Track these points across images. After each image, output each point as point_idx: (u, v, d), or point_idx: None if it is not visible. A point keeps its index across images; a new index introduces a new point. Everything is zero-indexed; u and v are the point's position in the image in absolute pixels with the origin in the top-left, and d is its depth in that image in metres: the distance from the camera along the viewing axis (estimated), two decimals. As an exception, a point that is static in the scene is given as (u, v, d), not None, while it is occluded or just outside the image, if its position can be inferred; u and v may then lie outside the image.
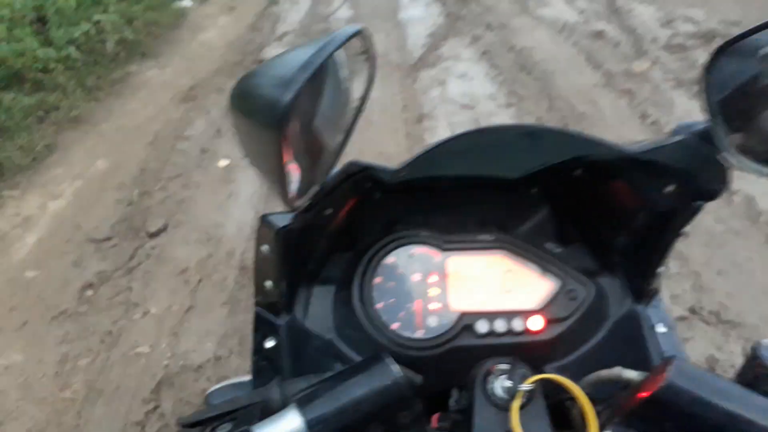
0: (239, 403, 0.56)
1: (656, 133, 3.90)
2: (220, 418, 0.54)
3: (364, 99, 0.75)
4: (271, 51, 5.74)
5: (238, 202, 3.48)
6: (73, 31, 5.21)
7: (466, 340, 0.80)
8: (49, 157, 4.04)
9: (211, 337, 2.53)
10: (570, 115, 4.19)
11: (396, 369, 0.55)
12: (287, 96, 0.51)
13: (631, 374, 0.59)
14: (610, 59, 5.06)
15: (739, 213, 3.08)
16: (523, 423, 0.58)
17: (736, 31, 0.62)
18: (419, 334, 0.80)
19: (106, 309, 2.73)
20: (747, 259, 2.80)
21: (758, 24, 0.61)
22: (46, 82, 4.74)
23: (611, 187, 0.84)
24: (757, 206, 3.10)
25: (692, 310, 2.51)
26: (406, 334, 0.80)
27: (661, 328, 0.82)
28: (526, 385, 0.59)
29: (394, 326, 0.80)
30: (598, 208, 0.87)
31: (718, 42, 0.64)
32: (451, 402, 0.67)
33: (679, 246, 2.82)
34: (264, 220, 0.75)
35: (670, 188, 0.74)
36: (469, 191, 0.90)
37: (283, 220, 0.74)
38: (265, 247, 0.77)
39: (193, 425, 0.52)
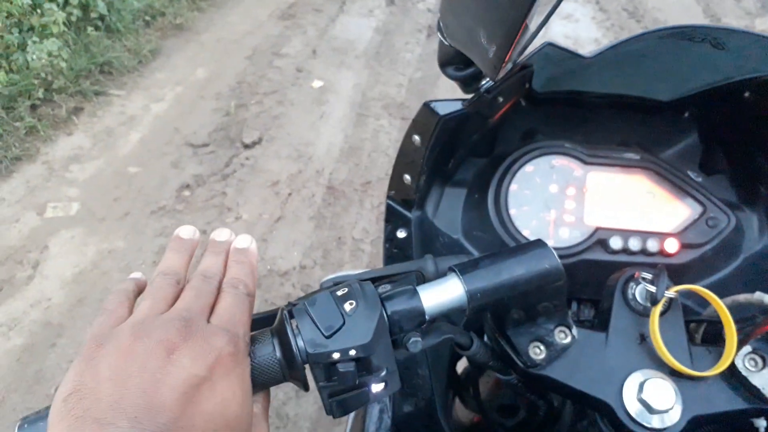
0: (393, 270, 0.58)
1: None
2: (381, 279, 0.56)
3: None
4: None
5: (329, 123, 3.52)
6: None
7: (598, 255, 0.80)
8: (153, 62, 4.18)
9: (297, 247, 2.62)
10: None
11: (555, 255, 0.55)
12: None
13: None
14: (730, 13, 4.70)
15: None
16: (660, 331, 0.58)
17: None
18: (550, 242, 0.80)
19: (201, 210, 2.86)
20: None
21: None
22: (154, -12, 4.86)
23: None
24: None
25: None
26: None
27: None
28: (670, 293, 0.59)
29: (525, 232, 0.81)
30: (757, 136, 0.82)
31: None
32: (569, 315, 0.68)
33: None
34: (428, 106, 0.75)
35: None
36: (615, 109, 0.87)
37: (446, 107, 0.74)
38: (417, 137, 0.77)
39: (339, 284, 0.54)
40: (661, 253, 0.80)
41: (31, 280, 2.50)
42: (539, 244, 0.56)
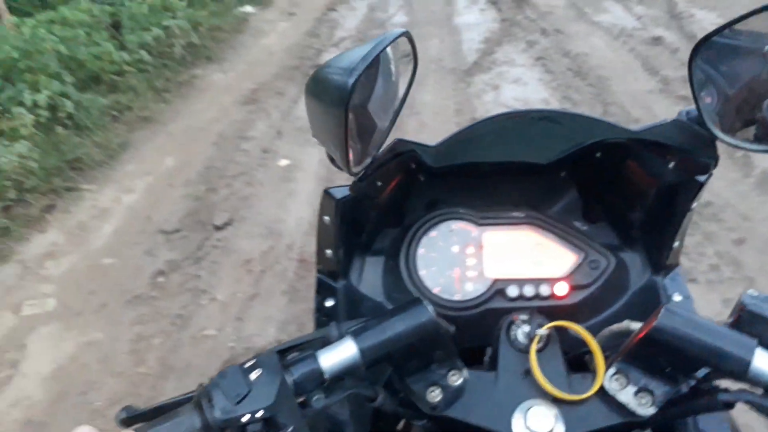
0: (304, 338, 0.68)
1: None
2: (290, 349, 0.65)
3: (408, 88, 0.89)
4: (329, 56, 5.93)
5: (297, 199, 3.65)
6: (145, 35, 5.52)
7: (498, 303, 0.91)
8: (122, 154, 4.31)
9: (272, 323, 2.69)
10: (625, 121, 4.19)
11: (431, 309, 0.66)
12: (351, 80, 0.66)
13: (636, 325, 0.68)
14: (667, 65, 5.03)
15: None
16: (540, 364, 0.68)
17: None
18: (457, 297, 0.92)
19: (176, 294, 2.93)
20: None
21: (734, 18, 0.73)
22: (120, 84, 5.06)
23: (626, 167, 0.94)
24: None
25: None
26: (446, 296, 0.92)
27: (677, 297, 0.92)
28: (542, 330, 0.70)
29: (436, 290, 0.93)
30: (616, 187, 0.97)
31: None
32: (486, 358, 0.78)
33: (734, 252, 2.83)
34: (326, 193, 0.89)
35: (672, 164, 0.86)
36: (504, 176, 1.01)
37: (341, 193, 0.88)
38: (326, 218, 0.91)
39: (281, 352, 0.64)
40: (553, 296, 0.91)
41: (11, 379, 2.51)
42: (416, 302, 0.67)
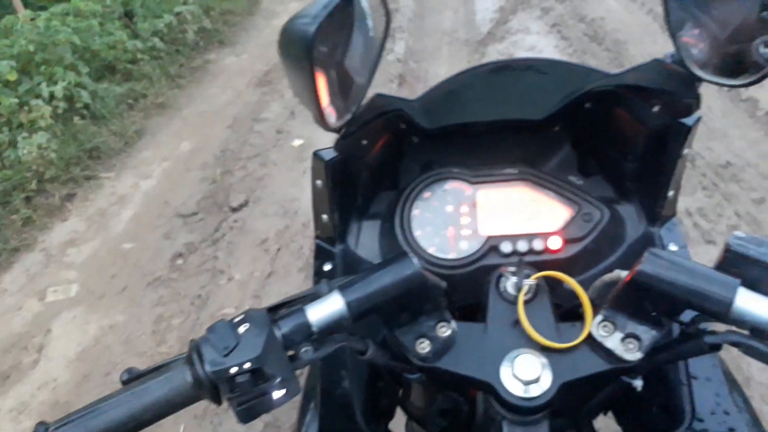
0: (296, 296, 0.68)
1: (733, 100, 3.77)
2: (281, 306, 0.65)
3: (383, 42, 0.86)
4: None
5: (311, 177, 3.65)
6: (157, 23, 5.55)
7: (492, 260, 0.90)
8: (139, 141, 4.36)
9: (289, 300, 2.71)
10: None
11: (416, 262, 0.66)
12: (312, 28, 0.64)
13: (626, 273, 0.67)
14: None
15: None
16: (529, 314, 0.67)
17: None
18: (452, 255, 0.92)
19: (194, 275, 2.96)
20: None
21: None
22: (134, 72, 5.10)
23: (615, 116, 0.92)
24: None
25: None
26: (441, 255, 0.91)
27: (673, 247, 0.89)
28: (530, 280, 0.69)
29: (431, 250, 0.92)
30: (608, 138, 0.95)
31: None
32: (447, 311, 0.77)
33: (753, 212, 2.76)
34: (315, 155, 0.87)
35: (656, 108, 0.84)
36: (498, 134, 0.99)
37: (330, 154, 0.86)
38: (318, 182, 0.89)
39: (269, 310, 0.64)
40: (547, 250, 0.90)
41: (37, 363, 2.58)
42: (402, 256, 0.67)
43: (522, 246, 0.90)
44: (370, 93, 0.85)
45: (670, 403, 0.81)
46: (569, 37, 5.12)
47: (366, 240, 0.99)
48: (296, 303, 0.66)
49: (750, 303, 0.58)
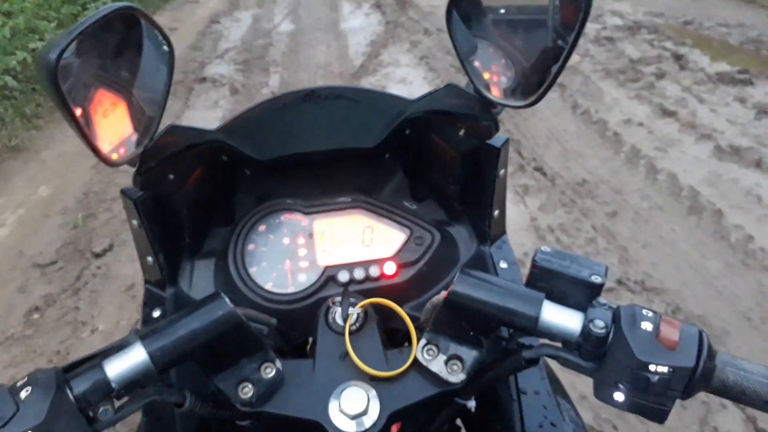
0: (99, 351, 0.62)
1: (587, 123, 4.08)
2: (80, 363, 0.60)
3: (170, 71, 0.83)
4: (213, 68, 5.79)
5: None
6: (9, 60, 5.16)
7: (330, 290, 0.89)
8: (-11, 188, 4.00)
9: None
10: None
11: (228, 302, 0.63)
12: (53, 55, 0.61)
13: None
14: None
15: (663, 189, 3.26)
16: (357, 344, 0.67)
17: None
18: (291, 289, 0.89)
19: (53, 330, 2.73)
20: (670, 231, 2.97)
21: None
22: (-17, 113, 4.70)
23: (432, 141, 0.95)
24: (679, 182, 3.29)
25: (619, 281, 2.65)
26: (278, 290, 0.89)
27: (503, 264, 0.93)
28: (355, 309, 0.69)
29: (268, 286, 0.89)
30: (430, 162, 0.98)
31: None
32: (270, 351, 0.75)
33: (608, 224, 2.97)
34: (123, 192, 0.82)
35: (461, 132, 0.88)
36: (333, 163, 0.99)
37: (136, 192, 0.81)
38: (134, 222, 0.83)
39: (69, 368, 0.59)
40: (383, 276, 0.90)
41: None
42: (214, 297, 0.64)
43: (359, 274, 0.90)
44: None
45: (502, 420, 0.83)
46: (437, 68, 5.34)
47: (200, 281, 0.94)
48: (97, 358, 0.61)
49: (555, 315, 0.60)
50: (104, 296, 2.91)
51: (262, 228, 0.94)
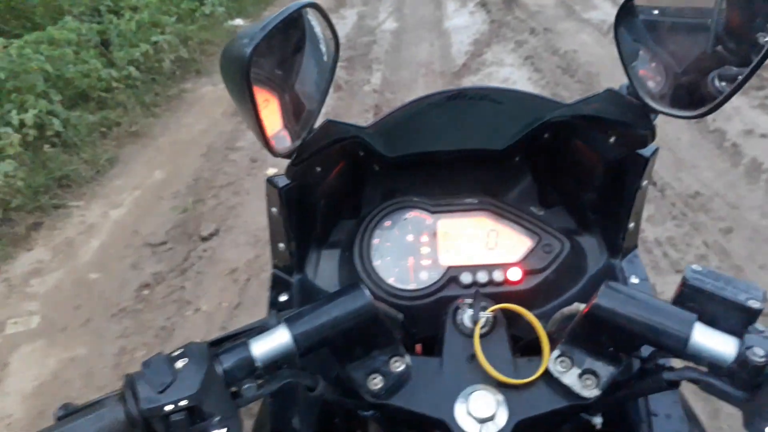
0: (243, 329, 0.65)
1: (702, 132, 3.84)
2: (225, 339, 0.63)
3: (333, 67, 0.85)
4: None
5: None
6: (134, 52, 5.53)
7: (452, 291, 0.88)
8: (111, 170, 4.30)
9: (257, 332, 2.65)
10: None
11: (367, 294, 0.63)
12: (248, 49, 0.64)
13: (584, 306, 0.65)
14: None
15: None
16: (486, 348, 0.65)
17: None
18: (412, 286, 0.89)
19: (160, 306, 2.89)
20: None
21: None
22: (109, 101, 5.06)
23: (573, 147, 0.92)
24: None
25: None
26: (401, 286, 0.89)
27: (634, 279, 0.88)
28: (486, 313, 0.67)
29: (391, 280, 0.90)
30: (568, 169, 0.94)
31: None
32: (401, 346, 0.75)
33: (722, 242, 2.77)
34: (269, 182, 0.85)
35: (612, 139, 0.84)
36: (460, 163, 0.98)
37: (284, 181, 0.84)
38: (274, 209, 0.87)
39: (213, 344, 0.61)
40: (507, 282, 0.88)
41: (-8, 398, 2.48)
42: (354, 287, 0.64)
43: (482, 277, 0.88)
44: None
45: None
46: (542, 69, 5.20)
47: (325, 270, 0.97)
48: (241, 336, 0.63)
49: (707, 339, 0.57)
50: (208, 278, 3.05)
51: (387, 223, 0.95)
